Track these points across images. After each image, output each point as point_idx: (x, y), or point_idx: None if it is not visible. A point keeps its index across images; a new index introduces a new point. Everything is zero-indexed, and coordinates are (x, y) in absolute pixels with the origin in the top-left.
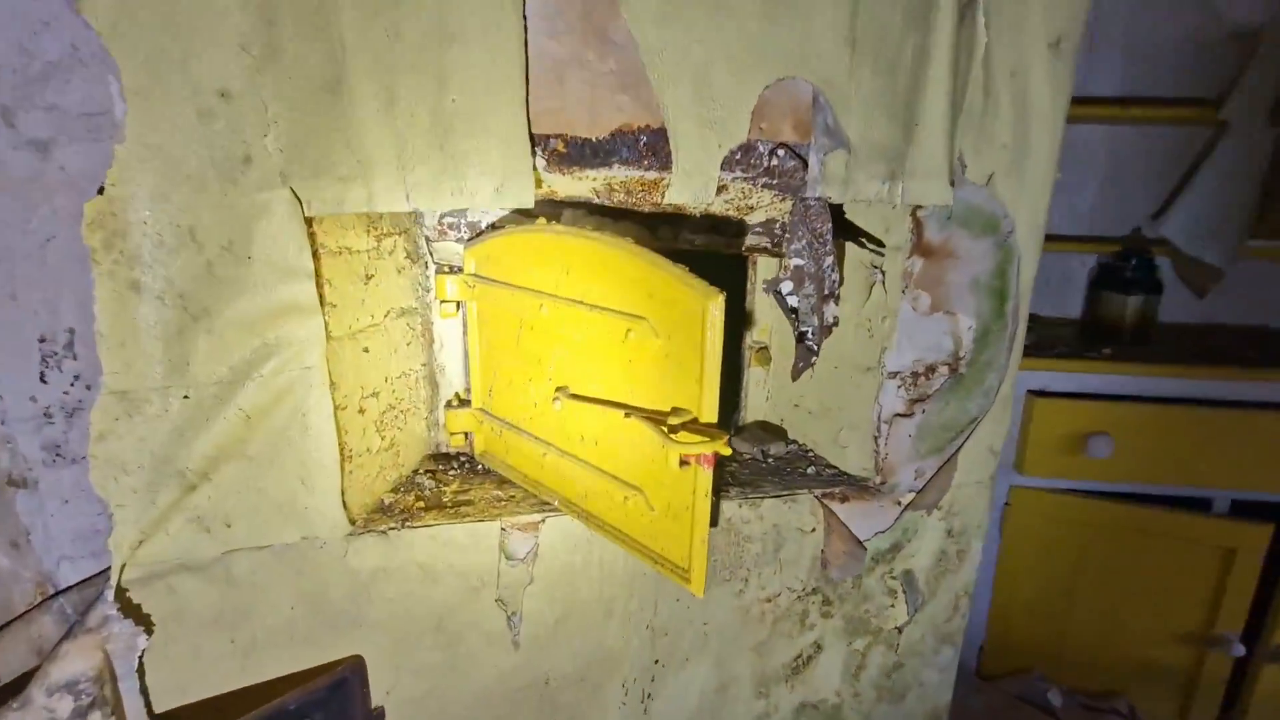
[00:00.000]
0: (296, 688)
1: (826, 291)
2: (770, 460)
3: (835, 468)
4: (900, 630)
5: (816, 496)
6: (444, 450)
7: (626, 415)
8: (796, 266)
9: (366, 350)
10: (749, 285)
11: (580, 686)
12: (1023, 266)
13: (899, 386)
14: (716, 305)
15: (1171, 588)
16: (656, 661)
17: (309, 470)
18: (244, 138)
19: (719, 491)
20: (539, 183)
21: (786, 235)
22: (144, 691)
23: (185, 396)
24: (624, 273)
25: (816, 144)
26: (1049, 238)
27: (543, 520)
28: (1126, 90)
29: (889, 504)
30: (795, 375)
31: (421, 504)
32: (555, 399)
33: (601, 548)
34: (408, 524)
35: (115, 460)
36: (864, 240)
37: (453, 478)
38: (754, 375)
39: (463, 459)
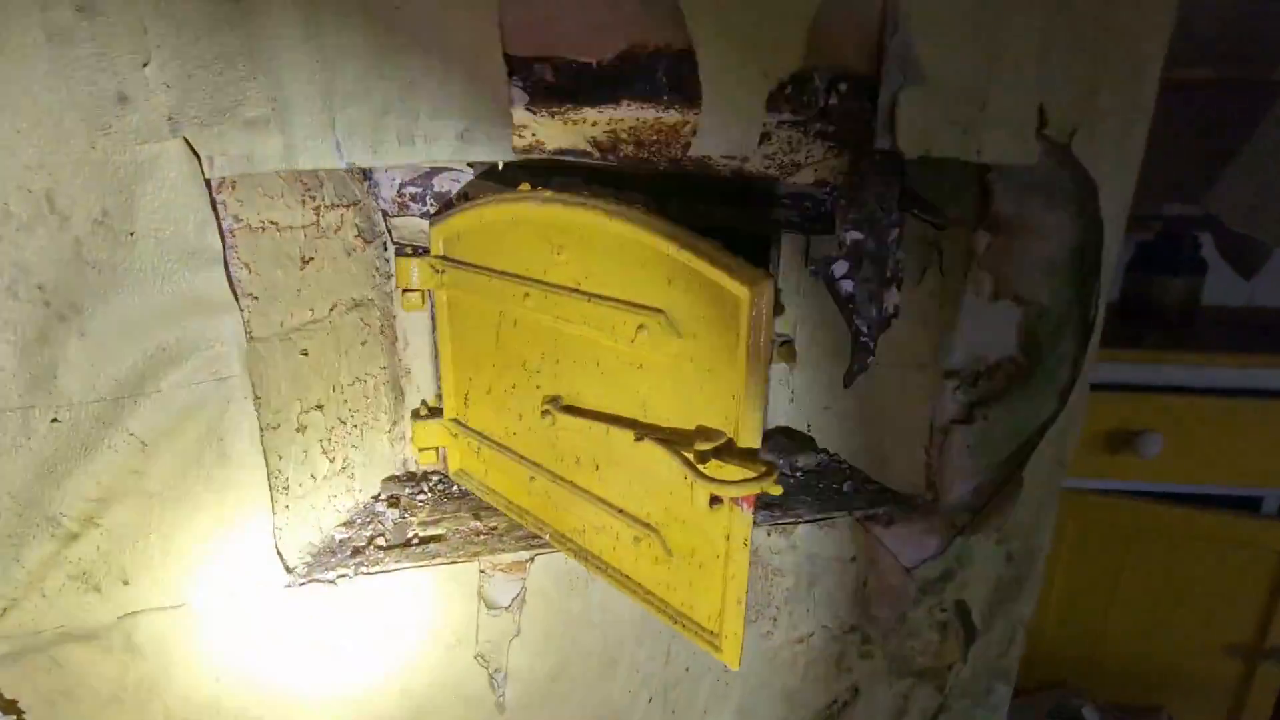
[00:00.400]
0: None
1: (889, 275)
2: (799, 475)
3: (876, 483)
4: (950, 668)
5: (858, 519)
6: (412, 469)
7: (638, 438)
8: (855, 242)
9: (305, 353)
10: (771, 264)
11: None
12: (1110, 245)
13: (956, 388)
14: (763, 293)
15: (1219, 594)
16: (672, 714)
17: (229, 508)
18: (115, 68)
19: None
20: (520, 129)
21: (842, 201)
22: None
23: (54, 420)
24: (634, 252)
25: (889, 77)
26: None
27: (531, 559)
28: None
29: (942, 526)
30: (849, 380)
31: (382, 541)
32: (544, 411)
33: (604, 590)
34: (363, 570)
35: None
36: (920, 211)
37: (422, 504)
38: (776, 373)
39: (435, 479)
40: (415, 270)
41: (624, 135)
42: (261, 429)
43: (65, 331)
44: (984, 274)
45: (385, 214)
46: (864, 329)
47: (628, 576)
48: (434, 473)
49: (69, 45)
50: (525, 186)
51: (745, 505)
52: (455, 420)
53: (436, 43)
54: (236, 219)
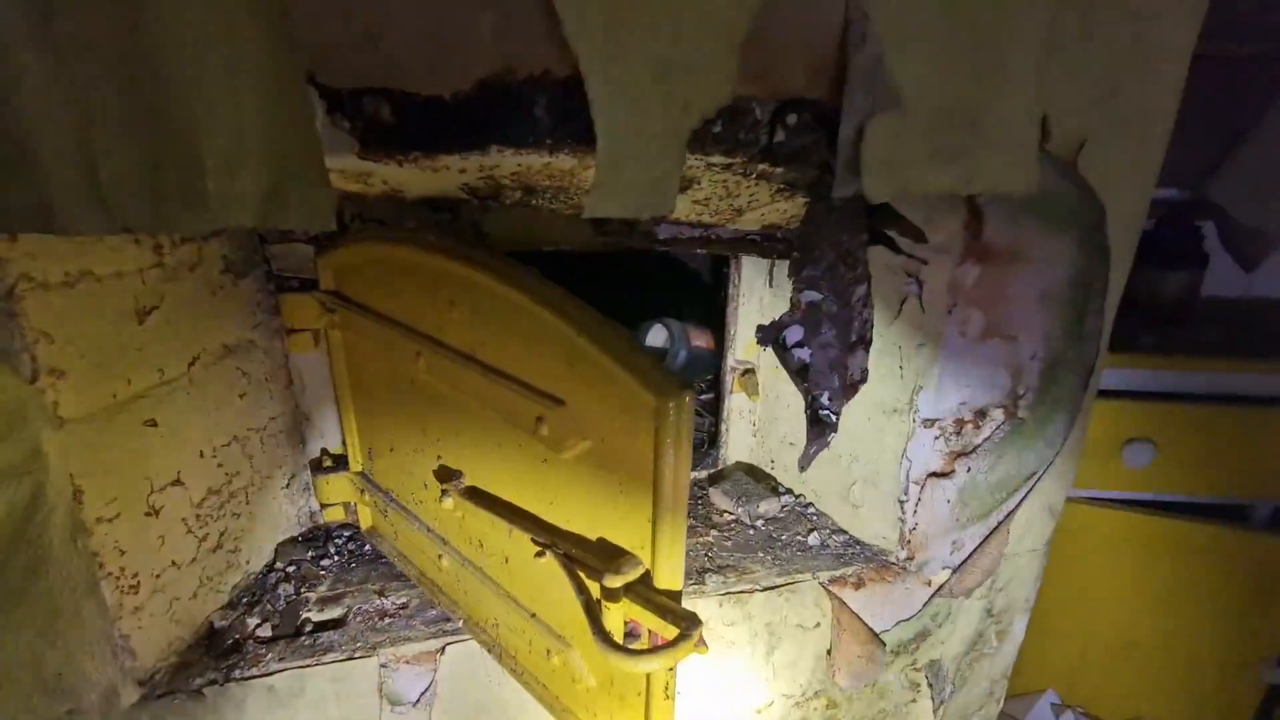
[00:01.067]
0: None
1: (855, 337)
2: (759, 524)
3: (846, 532)
4: None
5: (823, 584)
6: (318, 525)
7: (538, 553)
8: (810, 304)
9: (153, 424)
10: (731, 288)
11: None
12: (1116, 276)
13: (936, 437)
14: (680, 406)
15: (1205, 606)
16: None
17: (54, 620)
18: None
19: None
20: (364, 177)
21: (795, 255)
22: None
23: None
24: (531, 323)
25: (852, 104)
26: None
27: (442, 649)
28: None
29: (916, 585)
30: (804, 463)
31: (269, 629)
32: (444, 492)
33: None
34: (236, 673)
35: None
36: (895, 238)
37: (325, 573)
38: (736, 403)
39: (344, 536)
40: (303, 309)
41: (507, 181)
42: (88, 525)
43: None
44: (971, 310)
45: (263, 239)
46: (825, 400)
47: (545, 687)
48: (343, 528)
49: None
50: (413, 227)
51: (665, 656)
52: (362, 474)
53: (217, 61)
54: (26, 278)
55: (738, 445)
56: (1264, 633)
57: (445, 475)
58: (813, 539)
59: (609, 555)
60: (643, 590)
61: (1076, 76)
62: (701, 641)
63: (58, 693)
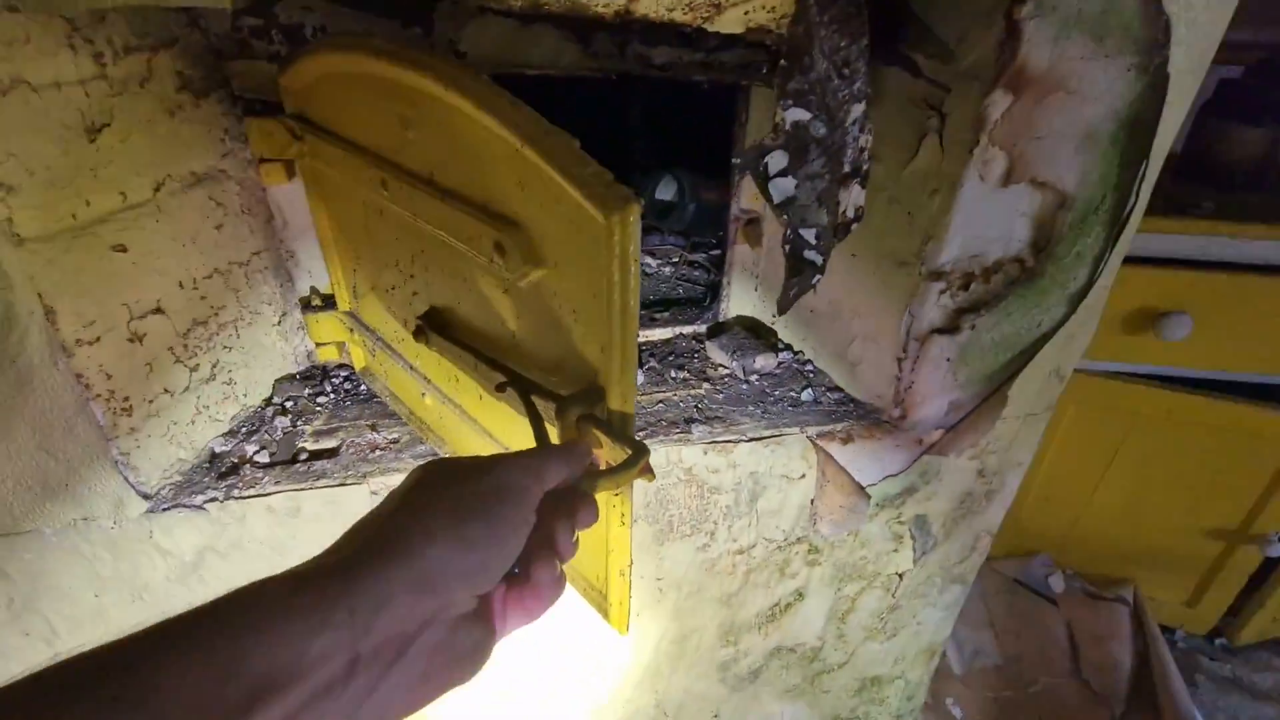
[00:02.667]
0: None
1: (848, 168)
2: (753, 379)
3: (841, 390)
4: (901, 576)
5: (810, 438)
6: (315, 365)
7: (498, 387)
8: (796, 124)
9: (122, 249)
10: (738, 126)
11: (509, 652)
12: (1170, 111)
13: (943, 291)
14: (625, 221)
15: (1216, 482)
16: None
17: (49, 436)
18: None
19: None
20: None
21: (781, 62)
22: None
23: None
24: (482, 139)
25: None
26: None
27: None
28: None
29: (907, 443)
30: (784, 306)
31: (266, 456)
32: (418, 329)
33: None
34: (235, 492)
35: None
36: (919, 59)
37: (320, 409)
38: (740, 255)
39: (341, 376)
40: (270, 134)
41: None
42: (66, 347)
43: None
44: (996, 150)
45: (219, 55)
46: (810, 239)
47: None
48: (340, 367)
49: None
50: (370, 33)
51: (624, 493)
52: (349, 314)
53: None
54: None
55: (740, 299)
56: (1276, 508)
57: (418, 311)
58: (806, 395)
59: (565, 383)
60: (594, 419)
61: None
62: (648, 469)
63: (68, 501)
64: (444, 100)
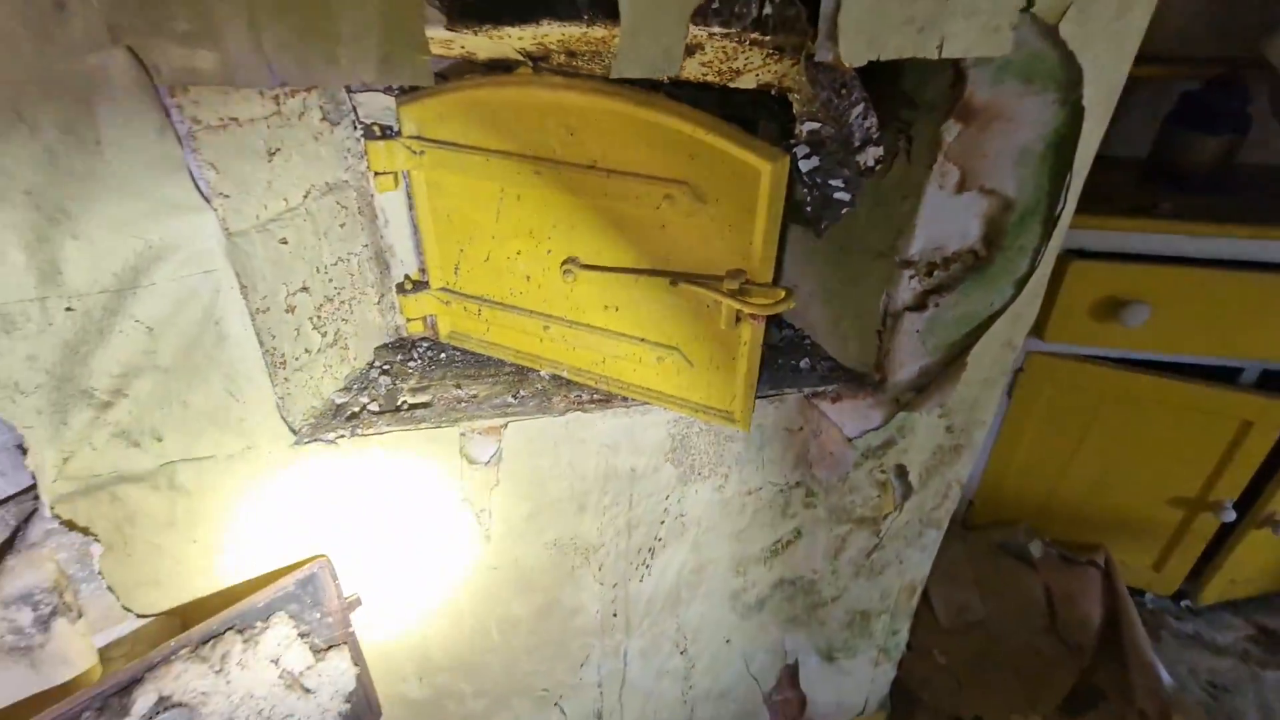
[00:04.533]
0: (267, 585)
1: (859, 141)
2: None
3: (833, 360)
4: (884, 518)
5: (805, 396)
6: (404, 336)
7: (673, 282)
8: (811, 132)
9: (285, 242)
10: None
11: (557, 570)
12: (1089, 131)
13: (912, 276)
14: (779, 170)
15: (1176, 455)
16: (636, 547)
17: (234, 380)
18: None
19: None
20: (445, 45)
21: (794, 96)
22: (113, 590)
23: (68, 308)
24: (654, 134)
25: None
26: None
27: (505, 424)
28: None
29: (886, 403)
30: (819, 232)
31: (376, 406)
32: (565, 270)
33: (570, 450)
34: (358, 432)
35: (6, 381)
36: (893, 103)
37: (412, 370)
38: None
39: (425, 345)
40: (388, 153)
41: (554, 46)
42: (251, 313)
43: (58, 234)
44: (951, 165)
45: (349, 90)
46: (839, 184)
47: (648, 388)
48: (423, 339)
49: None
50: (525, 70)
51: (759, 321)
52: (445, 289)
53: None
54: (195, 121)
55: None
56: (1229, 478)
57: (565, 261)
58: (804, 364)
59: (725, 274)
60: (750, 284)
61: None
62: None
63: (239, 433)
64: (625, 111)
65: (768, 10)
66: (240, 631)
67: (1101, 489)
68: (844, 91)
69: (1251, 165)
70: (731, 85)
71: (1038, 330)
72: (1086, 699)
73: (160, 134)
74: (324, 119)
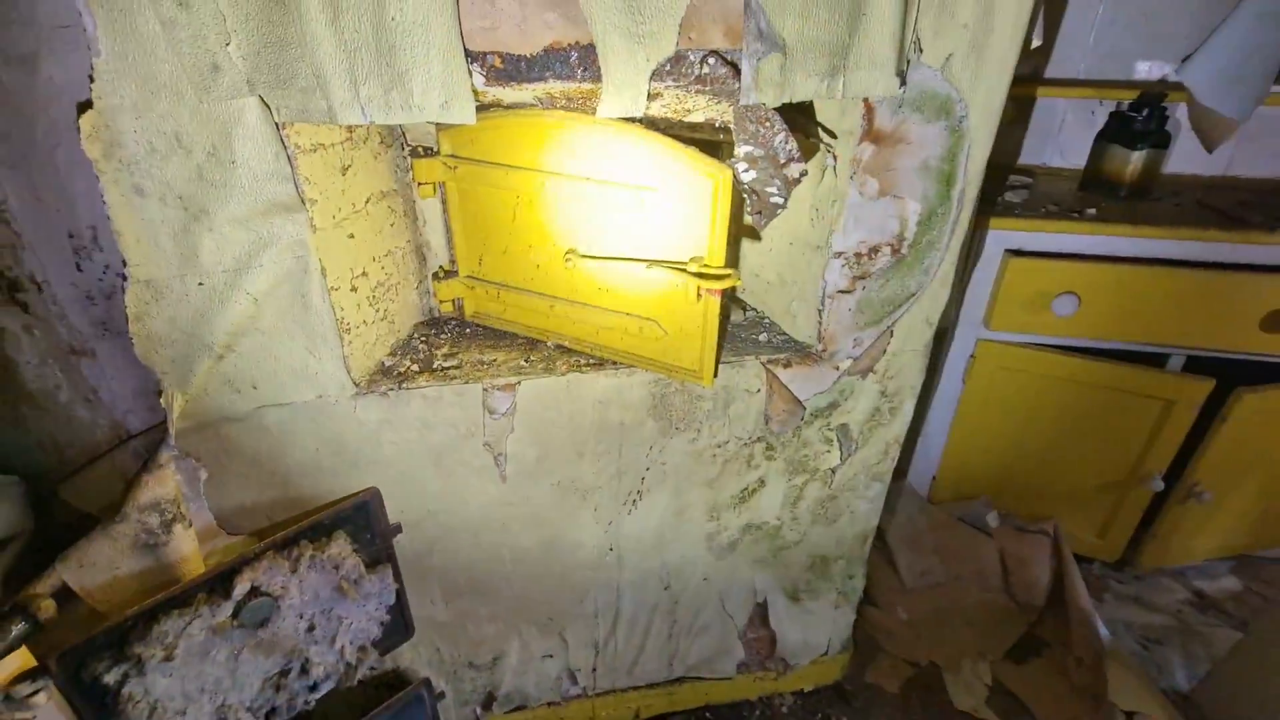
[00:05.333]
0: (328, 508)
1: (784, 160)
2: (729, 327)
3: (786, 335)
4: (834, 471)
5: (762, 363)
6: (436, 316)
7: (648, 266)
8: (747, 153)
9: (352, 236)
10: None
11: (561, 508)
12: (973, 151)
13: (843, 265)
14: (726, 179)
15: (1112, 433)
16: (626, 490)
17: (313, 341)
18: (208, 47)
19: None
20: (481, 95)
21: (732, 128)
22: (211, 509)
23: (200, 283)
24: (634, 152)
25: (749, 50)
26: (1064, 83)
27: (519, 382)
28: None
29: (829, 369)
30: (761, 228)
31: (416, 367)
32: (568, 260)
33: (570, 405)
34: (404, 385)
35: (152, 336)
36: (815, 128)
37: (443, 341)
38: None
39: (453, 323)
40: (429, 167)
41: (557, 95)
42: (328, 290)
43: (198, 228)
44: (868, 177)
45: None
46: (774, 191)
47: (632, 353)
48: (452, 318)
49: (175, 30)
50: (536, 106)
51: (716, 295)
52: (471, 276)
53: (422, 41)
54: (297, 146)
55: None
56: (1158, 453)
57: (566, 252)
58: (761, 337)
59: (690, 260)
60: (708, 266)
61: (944, 9)
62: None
63: (314, 384)
64: (613, 135)
65: (705, 70)
66: (312, 540)
67: (1050, 465)
68: (767, 124)
69: (1173, 176)
70: (686, 120)
71: (985, 320)
72: (1031, 648)
73: (276, 156)
74: (381, 142)
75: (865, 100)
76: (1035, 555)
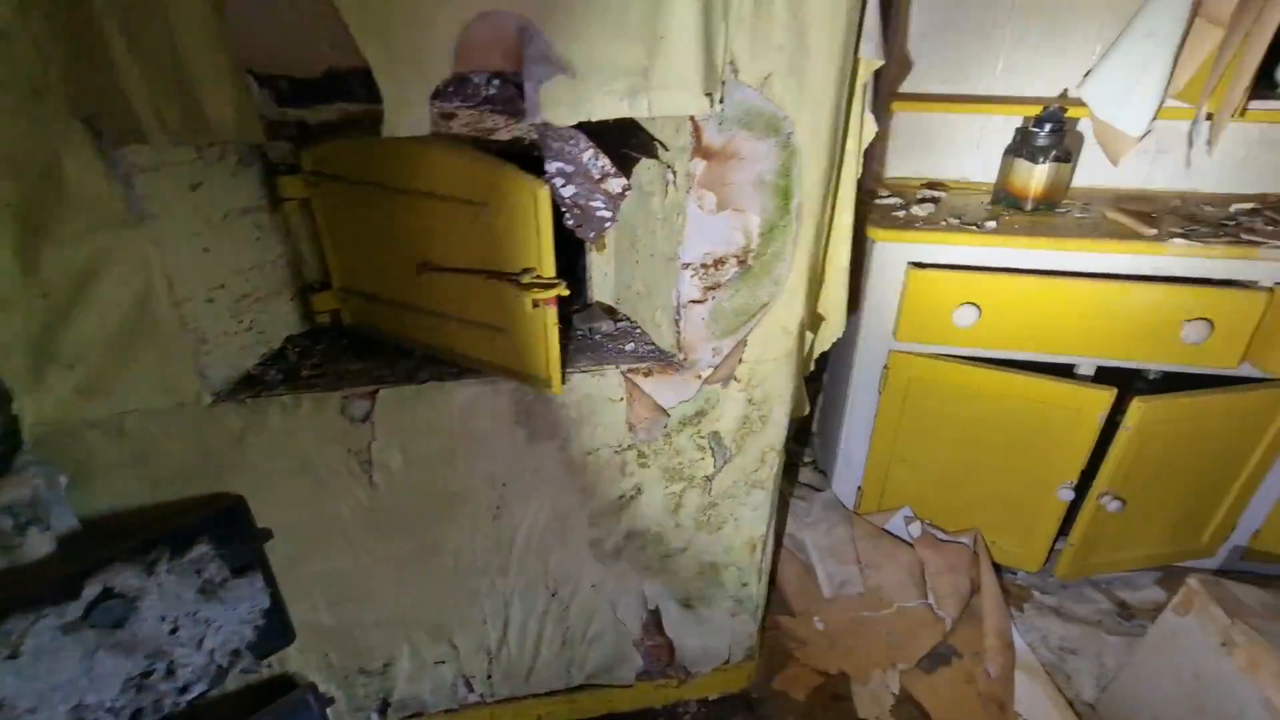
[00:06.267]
0: (191, 513)
1: (598, 176)
2: (598, 337)
3: (653, 345)
4: (710, 479)
5: (622, 371)
6: (315, 326)
7: (487, 279)
8: (559, 169)
9: (207, 250)
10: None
11: (435, 514)
12: (806, 165)
13: (693, 276)
14: (543, 194)
15: (1026, 442)
16: (500, 496)
17: (165, 351)
18: (28, 73)
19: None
20: (283, 115)
21: (541, 146)
22: (74, 513)
23: (44, 295)
24: (468, 170)
25: (531, 73)
26: (976, 99)
27: (377, 390)
28: None
29: (691, 377)
30: (595, 240)
31: (280, 376)
32: (420, 271)
33: (433, 411)
34: (263, 394)
35: (3, 346)
36: (641, 145)
37: (316, 351)
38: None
39: (330, 334)
40: (292, 184)
41: (358, 116)
42: (177, 302)
43: (40, 242)
44: (705, 192)
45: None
46: (601, 205)
47: (491, 362)
48: (329, 329)
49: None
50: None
51: (551, 305)
52: (344, 288)
53: (209, 65)
54: (134, 164)
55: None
56: (1067, 462)
57: (419, 265)
58: (628, 346)
59: (522, 271)
60: (539, 279)
61: (757, 32)
62: (566, 288)
63: (171, 393)
64: (448, 155)
65: (492, 91)
66: (171, 545)
67: (970, 474)
68: (573, 141)
69: (1087, 189)
70: (492, 139)
71: (894, 332)
72: (941, 657)
73: (107, 175)
74: (239, 161)
75: (692, 118)
76: (955, 565)
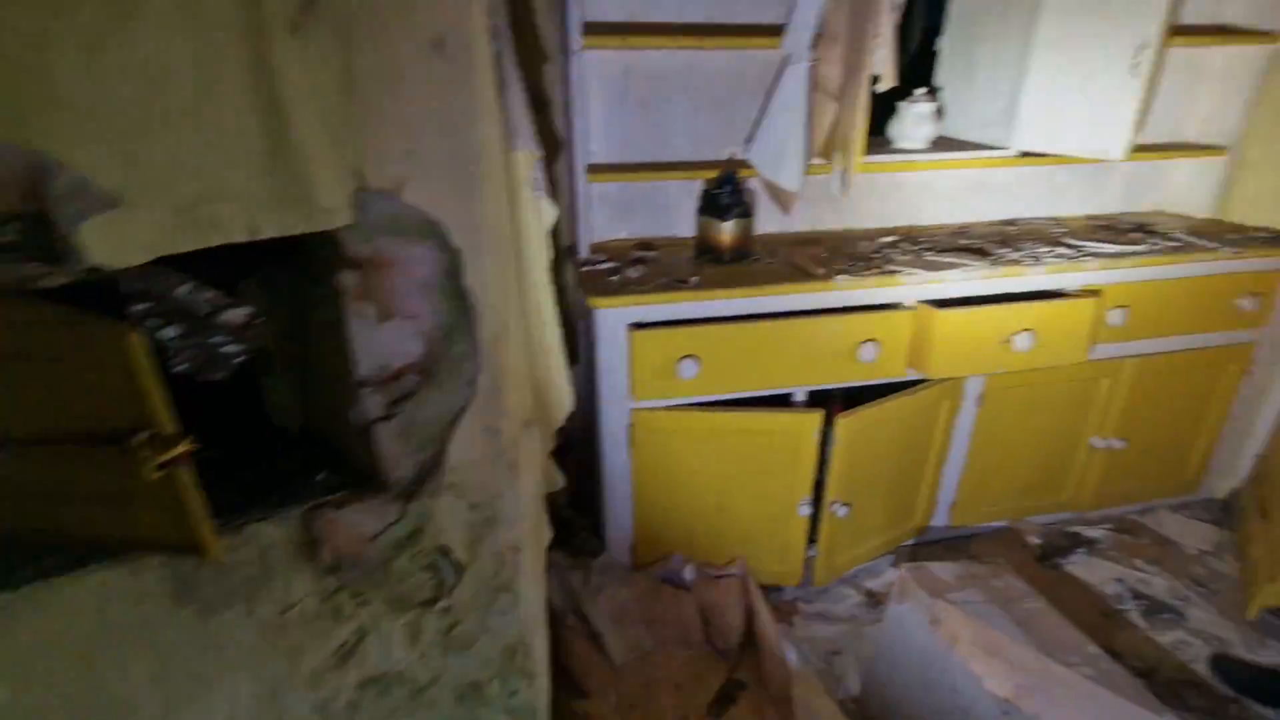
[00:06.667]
0: None
1: (207, 310)
2: (282, 470)
3: (350, 468)
4: (445, 596)
5: (309, 509)
6: None
7: (85, 448)
8: (144, 308)
9: None
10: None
11: None
12: (475, 263)
13: (372, 393)
14: (134, 339)
15: (765, 470)
16: (177, 694)
17: None
18: None
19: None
20: None
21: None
22: None
23: None
24: (21, 323)
25: (65, 213)
26: (668, 166)
27: None
28: (711, 17)
29: (394, 498)
30: (214, 383)
31: None
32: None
33: (42, 619)
34: None
35: None
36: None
37: None
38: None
39: None
40: None
41: None
42: None
43: None
44: (363, 303)
45: None
46: (225, 340)
47: (119, 536)
48: None
49: None
50: None
51: (184, 463)
52: None
53: None
54: None
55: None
56: (800, 480)
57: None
58: (319, 477)
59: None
60: (158, 438)
61: (379, 141)
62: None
63: None
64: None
65: (14, 237)
66: None
67: (725, 509)
68: (159, 277)
69: (771, 235)
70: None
71: (631, 391)
72: (729, 694)
73: None
74: None
75: (333, 233)
76: (728, 599)
